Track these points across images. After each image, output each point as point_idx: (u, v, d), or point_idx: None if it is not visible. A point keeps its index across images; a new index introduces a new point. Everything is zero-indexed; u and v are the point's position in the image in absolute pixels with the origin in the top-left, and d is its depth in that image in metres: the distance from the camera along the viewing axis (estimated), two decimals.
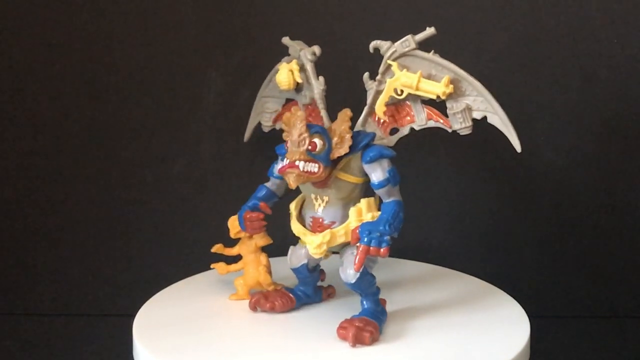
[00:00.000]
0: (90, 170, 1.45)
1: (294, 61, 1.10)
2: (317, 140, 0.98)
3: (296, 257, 1.08)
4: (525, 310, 1.09)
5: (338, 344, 0.99)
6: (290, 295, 1.09)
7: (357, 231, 0.99)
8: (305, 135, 0.97)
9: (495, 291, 1.17)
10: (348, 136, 1.00)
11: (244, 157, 1.41)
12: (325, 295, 1.14)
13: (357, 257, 0.97)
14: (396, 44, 1.04)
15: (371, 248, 0.96)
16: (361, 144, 1.01)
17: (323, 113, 1.08)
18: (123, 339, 1.10)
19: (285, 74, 1.10)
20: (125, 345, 1.08)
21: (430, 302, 1.12)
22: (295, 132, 0.97)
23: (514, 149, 1.02)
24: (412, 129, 1.06)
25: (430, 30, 1.03)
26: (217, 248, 1.16)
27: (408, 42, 1.03)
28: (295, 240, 1.08)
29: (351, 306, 1.09)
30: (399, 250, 1.11)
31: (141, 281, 1.44)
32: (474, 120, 1.02)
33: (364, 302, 1.03)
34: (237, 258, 1.16)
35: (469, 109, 1.02)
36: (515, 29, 1.38)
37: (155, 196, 1.45)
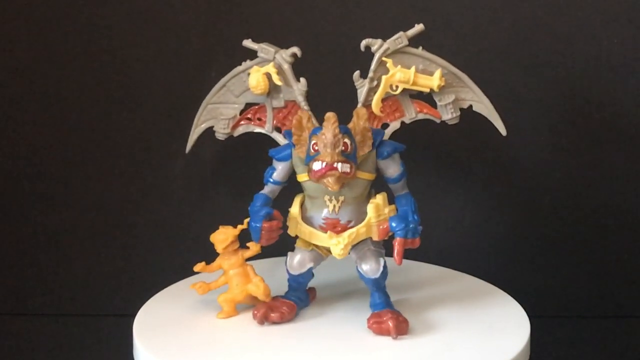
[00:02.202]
0: (90, 170, 1.45)
1: (272, 64, 1.09)
2: (347, 141, 0.98)
3: (300, 262, 1.06)
4: (525, 310, 1.09)
5: (372, 338, 1.00)
6: (290, 302, 1.08)
7: (387, 226, 1.01)
8: (340, 136, 0.97)
9: (495, 291, 1.17)
10: (369, 134, 1.02)
11: (244, 158, 1.41)
12: (311, 298, 1.13)
13: (396, 250, 0.99)
14: (388, 41, 1.06)
15: (408, 240, 0.99)
16: (377, 141, 1.03)
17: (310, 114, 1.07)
18: (123, 339, 1.10)
19: (261, 78, 1.08)
20: (125, 345, 1.08)
21: (429, 301, 1.12)
22: (330, 134, 0.96)
23: (500, 134, 1.08)
24: (402, 123, 1.09)
25: (419, 27, 1.06)
26: (200, 267, 1.09)
27: (401, 39, 1.06)
28: (291, 245, 1.07)
29: (345, 305, 1.11)
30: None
31: (141, 281, 1.44)
32: (460, 109, 1.08)
33: (377, 296, 1.05)
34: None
35: (457, 99, 1.07)
36: (514, 29, 1.38)
37: (155, 196, 1.45)
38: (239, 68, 1.12)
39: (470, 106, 1.08)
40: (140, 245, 1.47)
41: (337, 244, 1.01)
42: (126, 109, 1.43)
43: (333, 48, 1.36)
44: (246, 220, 1.06)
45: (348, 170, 0.97)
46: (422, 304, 1.11)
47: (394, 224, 1.01)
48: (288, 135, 1.06)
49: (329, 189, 0.98)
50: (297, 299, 1.08)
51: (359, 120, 1.02)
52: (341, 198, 1.02)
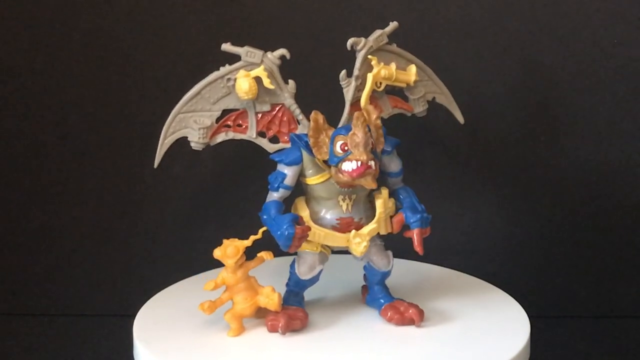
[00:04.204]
0: (90, 171, 1.45)
1: (262, 67, 1.05)
2: (372, 139, 0.99)
3: (309, 266, 1.05)
4: (525, 310, 1.09)
5: (389, 330, 1.02)
6: (300, 307, 1.06)
7: (401, 218, 1.04)
8: (369, 134, 0.97)
9: (495, 291, 1.17)
10: (381, 131, 1.02)
11: (244, 158, 1.40)
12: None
13: (416, 241, 1.03)
14: (371, 39, 1.07)
15: (423, 229, 1.04)
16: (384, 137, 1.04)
17: (301, 117, 1.07)
18: (123, 339, 1.10)
19: (253, 83, 1.04)
20: (125, 345, 1.08)
21: (429, 302, 1.11)
22: (361, 133, 0.96)
23: (459, 122, 1.16)
24: (381, 119, 1.10)
25: (394, 24, 1.09)
26: (212, 286, 1.03)
27: (382, 37, 1.08)
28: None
29: (341, 304, 1.12)
30: (398, 250, 1.11)
31: (141, 281, 1.44)
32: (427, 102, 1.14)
33: (379, 290, 1.08)
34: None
35: (426, 92, 1.12)
36: (514, 30, 1.38)
37: (155, 196, 1.45)
38: (216, 74, 1.07)
39: (434, 98, 1.13)
40: (140, 245, 1.47)
41: (361, 242, 1.02)
42: (126, 109, 1.42)
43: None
44: (261, 230, 1.02)
45: (374, 167, 0.98)
46: (422, 304, 1.10)
47: (408, 216, 1.04)
48: (297, 138, 1.04)
49: (367, 187, 0.99)
50: (299, 303, 1.07)
51: (370, 117, 1.02)
52: (353, 197, 1.03)
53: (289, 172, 1.03)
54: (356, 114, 0.98)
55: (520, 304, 1.11)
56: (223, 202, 1.44)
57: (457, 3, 1.38)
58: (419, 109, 1.13)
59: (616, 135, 1.40)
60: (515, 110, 1.40)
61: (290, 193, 1.05)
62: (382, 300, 1.07)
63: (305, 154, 1.03)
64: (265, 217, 1.02)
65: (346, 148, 0.97)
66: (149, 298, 1.15)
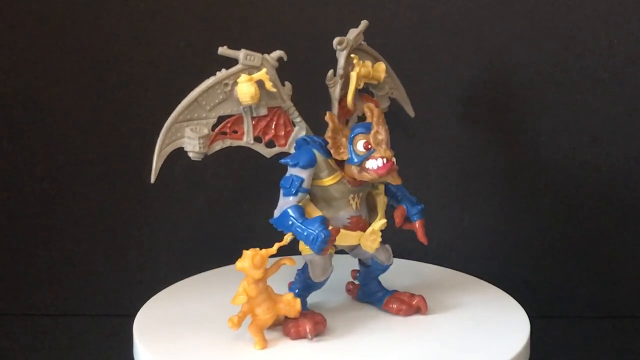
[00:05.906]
0: (90, 170, 1.45)
1: (264, 70, 1.02)
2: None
3: (322, 268, 1.03)
4: (525, 310, 1.09)
5: (397, 324, 1.03)
6: (315, 311, 1.04)
7: (402, 212, 1.06)
8: (389, 131, 0.98)
9: (495, 291, 1.17)
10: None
11: (244, 159, 1.40)
12: None
13: (420, 232, 1.06)
14: (351, 38, 1.07)
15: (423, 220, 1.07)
16: None
17: (299, 119, 1.06)
18: (123, 339, 1.11)
19: (256, 87, 1.01)
20: (125, 345, 1.08)
21: (430, 301, 1.11)
22: (383, 131, 0.97)
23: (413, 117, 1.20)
24: (358, 117, 1.11)
25: (365, 23, 1.10)
26: (241, 299, 0.97)
27: (360, 35, 1.09)
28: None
29: (337, 304, 1.12)
30: (398, 250, 1.11)
31: (141, 281, 1.44)
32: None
33: (375, 284, 1.09)
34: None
35: (389, 89, 1.15)
36: (513, 28, 1.38)
37: (155, 196, 1.45)
38: (213, 79, 1.03)
39: (391, 93, 1.16)
40: (140, 245, 1.47)
41: (376, 239, 1.04)
42: (126, 109, 1.43)
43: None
44: (287, 237, 0.98)
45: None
46: None
47: (409, 209, 1.06)
48: (310, 139, 1.02)
49: (393, 183, 1.00)
50: (305, 307, 1.04)
51: (373, 115, 1.00)
52: (361, 195, 1.03)
53: (305, 175, 1.00)
54: (377, 112, 0.97)
55: (520, 304, 1.11)
56: (223, 202, 1.44)
57: (457, 3, 1.38)
58: (384, 104, 1.14)
59: (616, 135, 1.40)
60: (515, 110, 1.40)
61: (306, 196, 1.01)
62: (380, 294, 1.08)
63: (318, 155, 1.01)
64: (290, 222, 0.98)
65: (369, 146, 0.97)
66: (149, 298, 1.15)
